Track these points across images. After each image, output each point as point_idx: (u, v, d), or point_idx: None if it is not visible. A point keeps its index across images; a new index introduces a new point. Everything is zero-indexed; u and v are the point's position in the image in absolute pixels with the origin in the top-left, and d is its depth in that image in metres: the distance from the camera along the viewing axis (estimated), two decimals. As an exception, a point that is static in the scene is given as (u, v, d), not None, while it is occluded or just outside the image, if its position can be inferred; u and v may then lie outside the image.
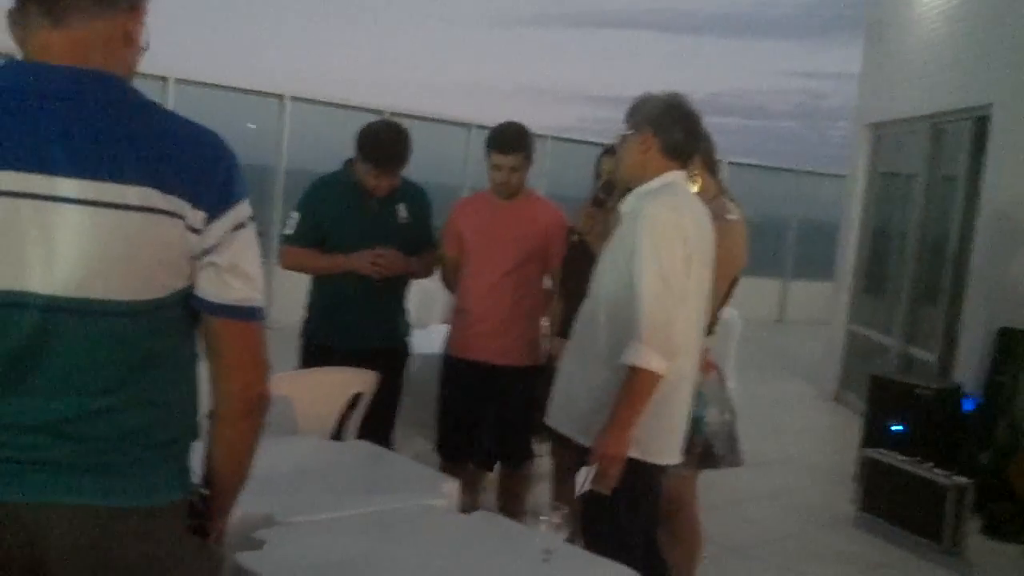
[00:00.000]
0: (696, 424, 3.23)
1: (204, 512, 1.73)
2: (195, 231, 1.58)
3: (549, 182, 11.21)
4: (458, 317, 4.14)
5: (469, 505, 3.43)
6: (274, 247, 7.41)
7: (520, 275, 4.01)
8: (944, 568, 4.80)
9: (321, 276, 4.06)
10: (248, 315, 1.66)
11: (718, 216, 3.22)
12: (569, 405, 3.05)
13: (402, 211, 4.03)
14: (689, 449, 3.17)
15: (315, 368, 3.88)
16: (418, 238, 4.08)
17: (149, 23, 1.67)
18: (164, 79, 8.99)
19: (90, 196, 1.51)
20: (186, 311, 1.64)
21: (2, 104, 1.53)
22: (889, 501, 5.19)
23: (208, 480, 1.75)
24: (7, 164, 1.50)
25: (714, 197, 3.42)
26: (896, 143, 8.59)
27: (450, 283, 4.22)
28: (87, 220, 1.51)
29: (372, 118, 4.47)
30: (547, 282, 4.14)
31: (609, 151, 3.95)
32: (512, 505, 4.13)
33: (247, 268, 1.65)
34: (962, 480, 4.93)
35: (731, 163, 12.64)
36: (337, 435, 3.63)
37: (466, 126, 11.33)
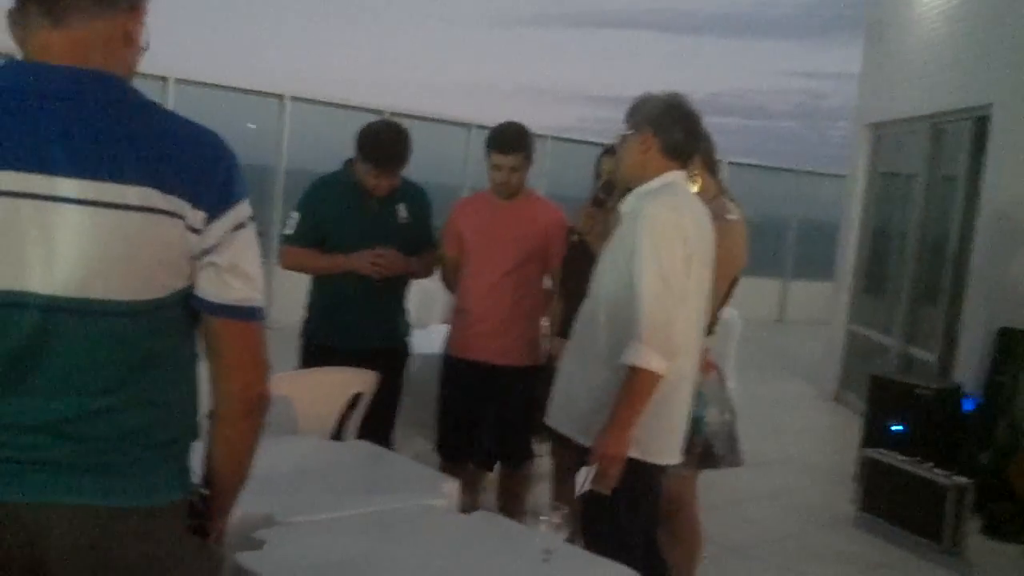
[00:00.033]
0: (696, 424, 3.23)
1: (204, 512, 1.73)
2: (195, 231, 1.58)
3: (549, 182, 11.20)
4: (458, 317, 4.14)
5: (469, 505, 3.43)
6: (274, 247, 7.41)
7: (520, 275, 4.01)
8: (944, 568, 4.79)
9: (321, 276, 4.06)
10: (248, 315, 1.66)
11: (718, 216, 3.22)
12: (569, 405, 3.05)
13: (402, 211, 4.03)
14: (689, 449, 3.17)
15: (315, 368, 3.87)
16: (418, 238, 4.08)
17: (149, 23, 1.67)
18: (164, 79, 8.99)
19: (90, 196, 1.51)
20: (186, 311, 1.64)
21: (2, 104, 1.53)
22: (889, 501, 5.19)
23: (208, 480, 1.75)
24: (7, 164, 1.50)
25: (714, 197, 3.42)
26: (896, 143, 8.59)
27: (450, 283, 4.22)
28: (87, 220, 1.51)
29: (372, 118, 4.47)
30: (547, 282, 4.14)
31: (609, 151, 3.95)
32: (512, 505, 4.12)
33: (247, 268, 1.64)
34: (962, 480, 4.93)
35: (731, 163, 12.64)
36: (337, 435, 3.63)
37: (466, 126, 11.33)
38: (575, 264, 3.83)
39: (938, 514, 4.88)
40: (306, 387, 3.58)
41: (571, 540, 2.96)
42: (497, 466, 4.24)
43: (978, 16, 7.03)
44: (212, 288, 1.62)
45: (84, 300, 1.53)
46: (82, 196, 1.51)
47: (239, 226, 1.62)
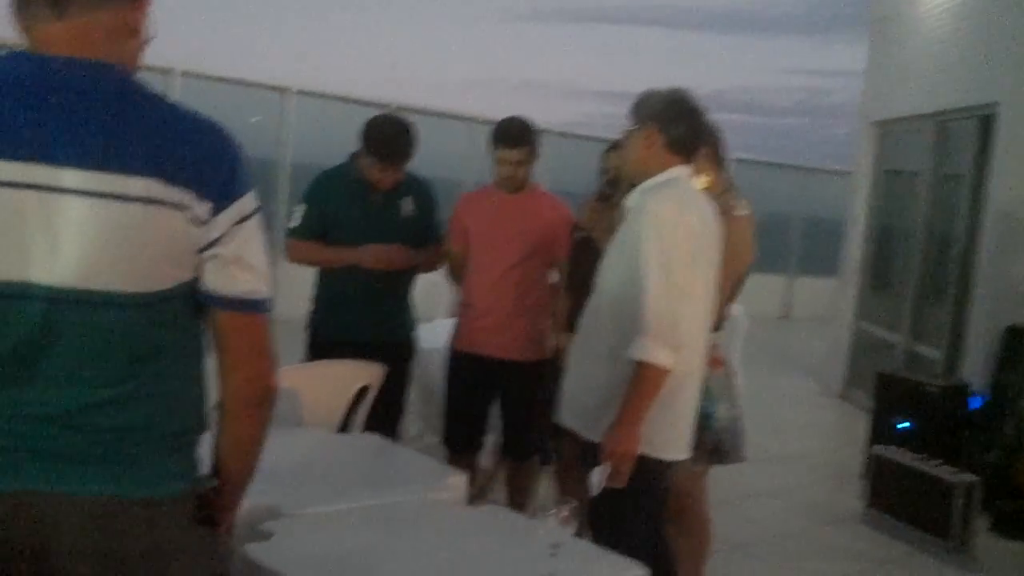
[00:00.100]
0: (706, 420, 3.22)
1: (213, 503, 1.73)
2: (200, 223, 1.57)
3: (553, 178, 11.18)
4: (463, 311, 4.14)
5: (478, 497, 3.42)
6: (279, 240, 7.40)
7: (525, 270, 4.00)
8: (951, 565, 4.78)
9: (327, 269, 4.05)
10: (254, 307, 1.65)
11: (726, 211, 3.21)
12: (575, 400, 3.04)
13: (407, 205, 4.02)
14: (699, 445, 3.16)
15: (322, 361, 3.87)
16: (423, 232, 4.06)
17: (154, 15, 1.66)
18: (169, 71, 8.99)
19: (93, 187, 1.50)
20: (193, 303, 1.63)
21: (5, 95, 1.53)
22: (896, 498, 5.17)
23: (217, 472, 1.74)
24: (10, 155, 1.49)
25: (722, 192, 3.40)
26: (901, 141, 8.57)
27: (456, 277, 4.21)
28: (90, 211, 1.51)
29: (377, 112, 4.46)
30: (554, 276, 4.13)
31: (614, 147, 3.93)
32: (519, 499, 4.12)
33: (252, 260, 1.63)
34: (970, 477, 4.92)
35: (735, 159, 12.61)
36: (344, 428, 3.63)
37: (471, 121, 11.32)
38: (581, 260, 3.81)
39: (946, 511, 4.86)
40: (313, 380, 3.58)
41: (579, 534, 2.95)
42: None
43: (984, 14, 7.02)
44: (218, 280, 1.61)
45: (87, 291, 1.53)
46: (85, 187, 1.50)
47: (244, 218, 1.61)
